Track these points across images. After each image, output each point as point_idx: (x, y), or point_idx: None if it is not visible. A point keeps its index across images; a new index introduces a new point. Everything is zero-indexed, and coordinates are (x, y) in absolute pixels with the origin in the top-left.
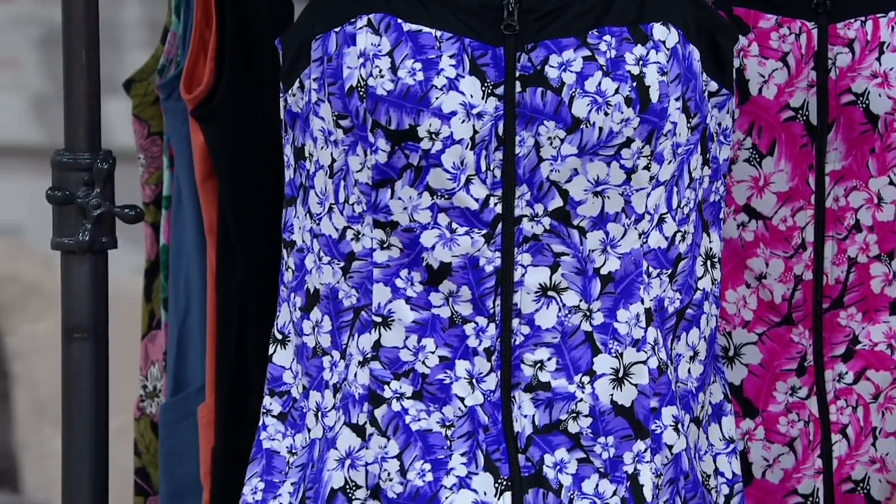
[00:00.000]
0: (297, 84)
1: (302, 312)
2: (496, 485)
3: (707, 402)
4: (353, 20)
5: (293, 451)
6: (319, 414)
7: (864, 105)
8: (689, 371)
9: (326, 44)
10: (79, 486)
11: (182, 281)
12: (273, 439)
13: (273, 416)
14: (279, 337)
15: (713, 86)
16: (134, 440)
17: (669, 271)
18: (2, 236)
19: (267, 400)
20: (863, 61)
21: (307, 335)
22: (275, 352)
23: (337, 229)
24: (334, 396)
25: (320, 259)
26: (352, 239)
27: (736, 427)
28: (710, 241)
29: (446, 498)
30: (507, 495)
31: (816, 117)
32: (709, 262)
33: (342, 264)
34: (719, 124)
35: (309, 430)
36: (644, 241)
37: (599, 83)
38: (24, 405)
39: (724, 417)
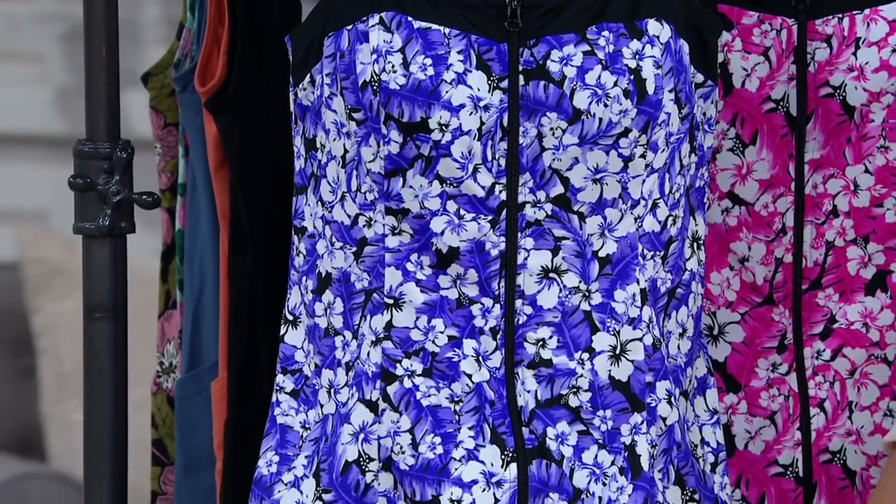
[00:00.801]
0: (307, 79)
1: (314, 295)
2: (502, 456)
3: (693, 376)
4: (365, 18)
5: (306, 426)
6: (332, 391)
7: (841, 97)
8: (678, 347)
9: (339, 41)
10: (100, 455)
11: (196, 263)
12: (286, 415)
13: (286, 393)
14: (290, 318)
15: (699, 77)
16: (151, 413)
17: (662, 253)
18: (28, 221)
19: (280, 378)
20: (840, 56)
21: (319, 316)
22: (286, 332)
23: (349, 216)
24: (347, 374)
25: (332, 244)
26: (364, 225)
27: (720, 401)
28: (696, 225)
29: (456, 469)
30: (513, 466)
31: (796, 109)
32: (695, 245)
33: (354, 249)
34: (704, 114)
35: (322, 406)
36: (639, 225)
37: (599, 76)
38: (50, 379)
39: (708, 390)
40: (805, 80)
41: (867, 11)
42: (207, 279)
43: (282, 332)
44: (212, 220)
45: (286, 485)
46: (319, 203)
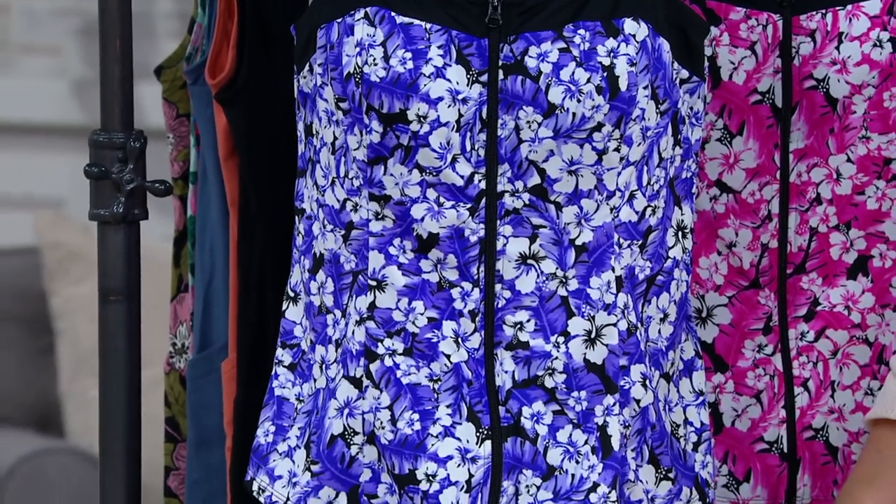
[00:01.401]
0: (307, 67)
1: (310, 274)
2: (477, 433)
3: (678, 358)
4: (352, 12)
5: (301, 398)
6: (323, 366)
7: (824, 89)
8: (659, 332)
9: (329, 33)
10: (115, 432)
11: (207, 249)
12: (284, 387)
13: (284, 367)
14: (291, 295)
15: (684, 74)
16: (164, 392)
17: (640, 242)
18: (46, 208)
19: (279, 351)
20: (823, 50)
21: (314, 295)
22: (287, 308)
23: (338, 200)
24: (336, 351)
25: (325, 227)
26: (351, 210)
27: (707, 381)
28: (682, 214)
29: (432, 445)
30: (488, 443)
31: (781, 100)
32: (680, 233)
33: (343, 232)
34: (691, 108)
35: (315, 381)
36: (615, 215)
37: (573, 73)
38: (67, 359)
39: (695, 372)
40: (790, 74)
41: (849, 7)
42: (218, 264)
43: (283, 307)
44: (222, 208)
45: (280, 454)
46: (315, 187)
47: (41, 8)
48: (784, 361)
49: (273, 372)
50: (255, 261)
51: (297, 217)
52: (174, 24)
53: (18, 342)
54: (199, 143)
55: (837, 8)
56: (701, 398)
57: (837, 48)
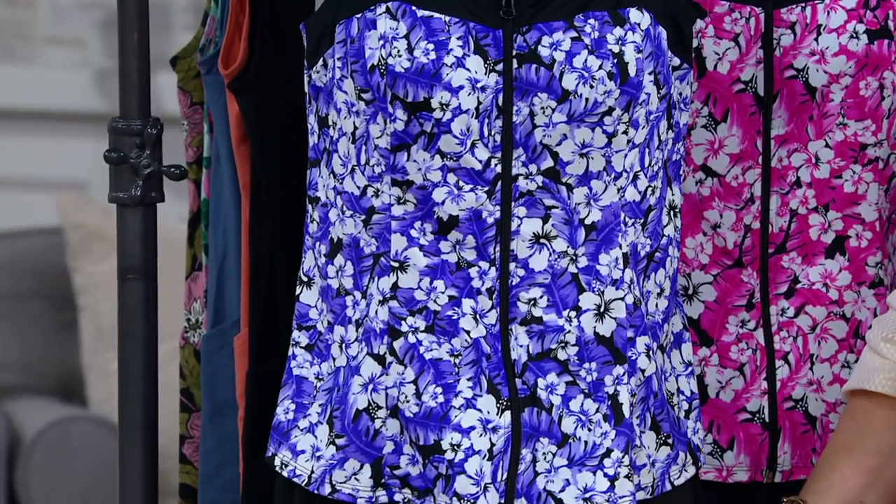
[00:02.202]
0: (320, 62)
1: (326, 258)
2: (497, 405)
3: (670, 331)
4: (373, 7)
5: (320, 377)
6: (343, 345)
7: (804, 79)
8: (656, 305)
9: (349, 28)
10: (133, 402)
11: (220, 230)
12: (302, 367)
13: (301, 347)
14: (305, 279)
15: (676, 61)
16: (179, 365)
17: (642, 221)
18: (69, 190)
19: (295, 333)
20: (803, 41)
21: (332, 278)
22: (301, 292)
23: (358, 187)
24: (357, 330)
25: (343, 213)
26: (372, 196)
27: (694, 354)
28: (673, 195)
29: (455, 416)
30: (507, 413)
31: (763, 89)
32: (672, 212)
33: (363, 217)
34: (680, 94)
35: (334, 360)
36: (622, 195)
37: (585, 60)
38: (89, 333)
39: (683, 344)
40: (771, 64)
41: (827, 1)
42: (230, 244)
43: (297, 291)
44: (234, 191)
45: (302, 430)
46: (332, 175)
47: (66, 2)
48: (766, 336)
49: (290, 353)
50: (265, 241)
51: (310, 205)
52: (189, 17)
53: (43, 317)
54: (213, 130)
55: (816, 1)
56: (689, 368)
57: (816, 40)
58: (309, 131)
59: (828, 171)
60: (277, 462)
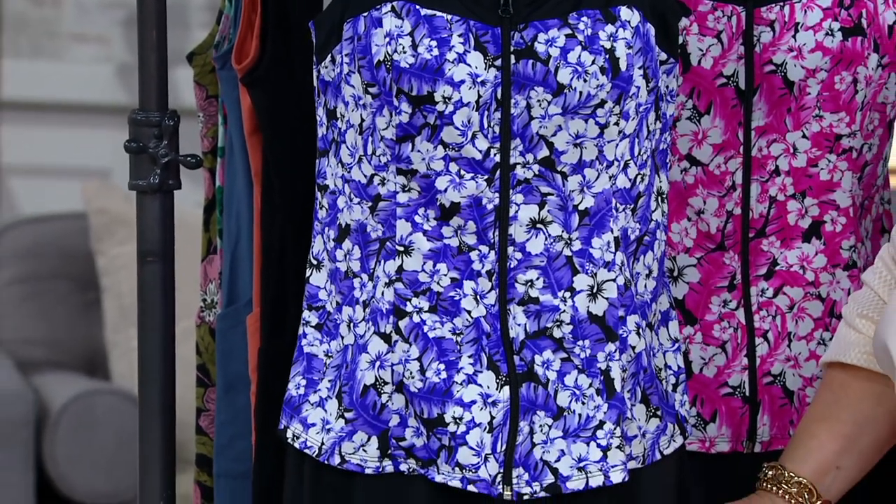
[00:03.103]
0: (328, 58)
1: (335, 243)
2: (497, 380)
3: (657, 310)
4: (378, 6)
5: (329, 354)
6: (351, 325)
7: (782, 73)
8: (645, 286)
9: (356, 26)
10: (152, 377)
11: (234, 215)
12: (312, 345)
13: (311, 327)
14: (314, 262)
15: (663, 56)
16: (195, 342)
17: (632, 206)
18: (93, 177)
19: (306, 313)
20: (781, 38)
21: (340, 261)
22: (311, 274)
23: (365, 176)
24: (364, 311)
25: (351, 200)
26: (378, 184)
27: (679, 332)
28: (661, 182)
29: (457, 391)
30: (506, 388)
31: (744, 83)
32: (659, 198)
33: (370, 204)
34: (667, 87)
35: (342, 338)
36: (613, 182)
37: (579, 56)
38: (112, 311)
39: (670, 322)
40: (752, 59)
41: (805, 0)
42: (243, 229)
43: (307, 274)
44: (246, 179)
45: (312, 404)
46: (340, 164)
47: (90, 1)
48: (746, 315)
49: (301, 332)
50: (276, 226)
51: (319, 193)
52: (205, 15)
53: (69, 297)
54: (227, 122)
55: (794, 1)
56: (676, 345)
57: (794, 37)
58: (318, 123)
59: (805, 160)
60: (289, 434)
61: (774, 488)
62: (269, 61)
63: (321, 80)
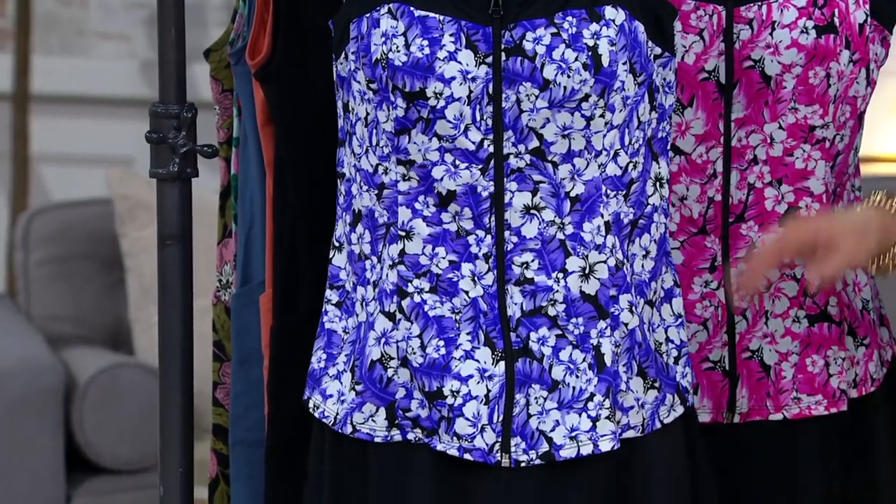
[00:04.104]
0: (343, 55)
1: (350, 227)
2: (493, 356)
3: (660, 287)
4: (378, 8)
5: (346, 330)
6: (363, 303)
7: (760, 69)
8: (642, 266)
9: (360, 25)
10: (172, 352)
11: (248, 201)
12: (332, 322)
13: (332, 304)
14: (336, 245)
15: (657, 50)
16: (212, 320)
17: (624, 192)
18: (117, 165)
19: (328, 292)
20: (759, 35)
21: (354, 244)
22: (333, 256)
23: (372, 165)
24: (373, 291)
25: (361, 187)
26: (382, 173)
27: (683, 308)
28: (659, 168)
29: (455, 366)
30: (502, 363)
31: (725, 78)
32: (657, 183)
33: (376, 192)
34: (664, 79)
35: (357, 316)
36: (603, 170)
37: (563, 53)
38: (135, 290)
39: (674, 299)
40: (732, 55)
41: (781, 0)
42: (256, 214)
43: (330, 255)
44: (260, 168)
45: (331, 377)
46: (352, 154)
47: (114, 2)
48: (726, 295)
49: (323, 309)
50: (287, 212)
51: (338, 180)
52: (222, 14)
53: (96, 277)
54: (241, 114)
55: (771, 0)
56: (680, 320)
57: (771, 34)
58: (338, 115)
59: (781, 149)
60: (311, 405)
61: (887, 205)
62: (281, 58)
63: (338, 75)
